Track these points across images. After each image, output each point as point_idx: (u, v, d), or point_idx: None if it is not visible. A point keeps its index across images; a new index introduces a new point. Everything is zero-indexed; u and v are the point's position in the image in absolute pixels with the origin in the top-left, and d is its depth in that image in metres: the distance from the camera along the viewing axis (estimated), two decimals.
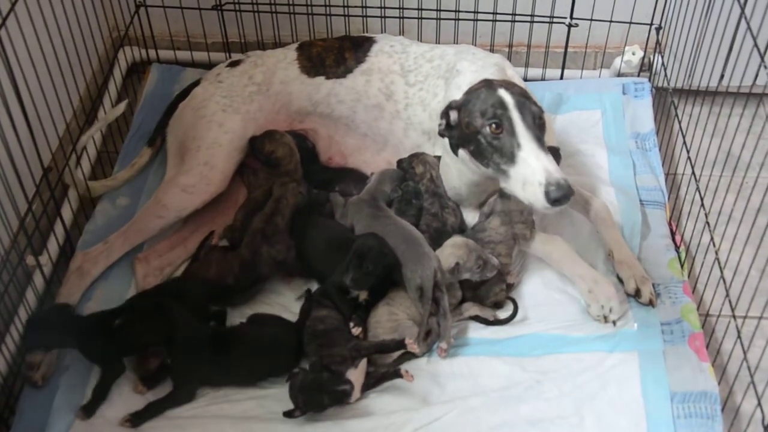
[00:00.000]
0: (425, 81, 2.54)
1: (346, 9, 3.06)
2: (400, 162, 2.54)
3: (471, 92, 2.21)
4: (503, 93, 2.13)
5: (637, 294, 2.31)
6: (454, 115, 2.25)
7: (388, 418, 2.06)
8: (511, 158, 2.10)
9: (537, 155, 2.06)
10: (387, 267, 2.21)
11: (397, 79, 2.59)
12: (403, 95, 2.57)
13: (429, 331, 2.20)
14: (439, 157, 2.49)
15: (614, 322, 2.26)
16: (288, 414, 2.03)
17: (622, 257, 2.37)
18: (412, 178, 2.49)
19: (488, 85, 2.19)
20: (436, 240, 2.34)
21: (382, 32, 3.04)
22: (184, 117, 2.64)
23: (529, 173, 2.07)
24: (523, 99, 2.12)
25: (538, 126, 2.12)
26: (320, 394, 2.02)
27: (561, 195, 2.01)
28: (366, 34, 2.83)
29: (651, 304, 2.29)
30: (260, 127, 2.62)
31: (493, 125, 2.11)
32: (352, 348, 2.10)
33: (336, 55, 2.69)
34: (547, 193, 2.02)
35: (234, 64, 2.74)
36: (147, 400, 2.12)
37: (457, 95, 2.30)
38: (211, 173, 2.50)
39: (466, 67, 2.42)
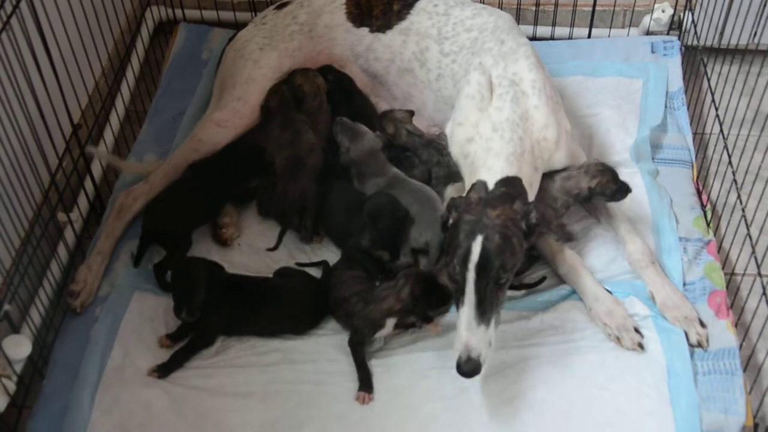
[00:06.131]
0: (459, 53, 2.43)
1: None
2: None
3: (458, 220, 1.99)
4: (475, 245, 1.91)
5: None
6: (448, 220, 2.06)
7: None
8: (456, 305, 1.98)
9: (468, 324, 1.90)
10: (400, 220, 2.25)
11: (432, 46, 2.49)
12: (436, 64, 2.49)
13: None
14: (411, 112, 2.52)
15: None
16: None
17: (663, 298, 2.19)
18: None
19: (471, 225, 1.95)
20: (451, 182, 2.36)
21: None
22: (227, 59, 2.70)
23: (456, 333, 1.94)
24: (489, 254, 1.90)
25: (495, 287, 1.92)
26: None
27: (469, 370, 1.88)
28: None
29: (700, 346, 2.11)
30: (297, 65, 2.64)
31: (452, 276, 1.97)
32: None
33: (385, 5, 2.61)
34: (458, 366, 1.89)
35: (282, 6, 2.74)
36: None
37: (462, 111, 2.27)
38: (243, 108, 2.55)
39: (475, 78, 2.29)
